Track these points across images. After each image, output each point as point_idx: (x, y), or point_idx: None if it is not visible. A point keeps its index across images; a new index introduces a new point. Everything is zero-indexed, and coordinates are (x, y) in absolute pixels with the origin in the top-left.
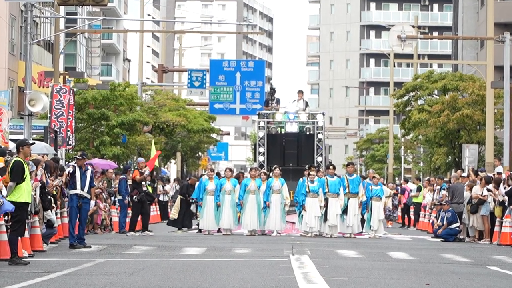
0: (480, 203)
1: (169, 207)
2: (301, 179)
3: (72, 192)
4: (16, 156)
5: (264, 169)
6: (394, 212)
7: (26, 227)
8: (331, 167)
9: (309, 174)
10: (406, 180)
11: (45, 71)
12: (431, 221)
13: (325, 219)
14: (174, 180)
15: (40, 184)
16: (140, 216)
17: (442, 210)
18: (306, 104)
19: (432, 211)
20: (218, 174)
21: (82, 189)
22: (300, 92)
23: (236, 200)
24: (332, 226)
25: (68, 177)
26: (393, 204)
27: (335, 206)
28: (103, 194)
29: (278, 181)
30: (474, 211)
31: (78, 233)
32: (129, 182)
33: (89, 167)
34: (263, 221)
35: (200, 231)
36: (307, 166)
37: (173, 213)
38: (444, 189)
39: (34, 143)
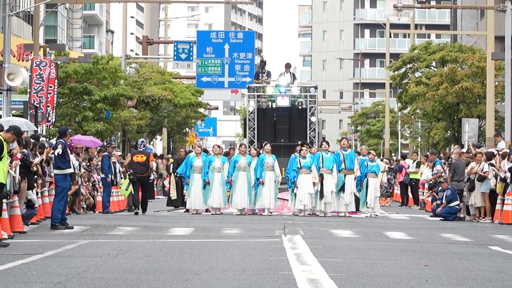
0: (480, 179)
1: (155, 185)
2: (293, 155)
3: (68, 171)
4: None
5: (254, 145)
6: (390, 188)
7: (5, 207)
8: (324, 143)
9: (301, 150)
10: (404, 157)
11: (24, 43)
12: (430, 198)
13: (321, 196)
14: (160, 157)
15: (21, 163)
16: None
17: (440, 188)
18: (294, 77)
19: (430, 190)
20: (205, 151)
21: (74, 167)
22: (288, 66)
23: (225, 178)
24: (327, 203)
25: (50, 155)
26: (388, 180)
27: (330, 183)
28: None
29: (271, 158)
30: (471, 188)
31: None
32: (113, 160)
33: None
34: (254, 199)
35: (187, 210)
36: (299, 142)
37: (172, 193)
38: (444, 164)
39: (22, 133)
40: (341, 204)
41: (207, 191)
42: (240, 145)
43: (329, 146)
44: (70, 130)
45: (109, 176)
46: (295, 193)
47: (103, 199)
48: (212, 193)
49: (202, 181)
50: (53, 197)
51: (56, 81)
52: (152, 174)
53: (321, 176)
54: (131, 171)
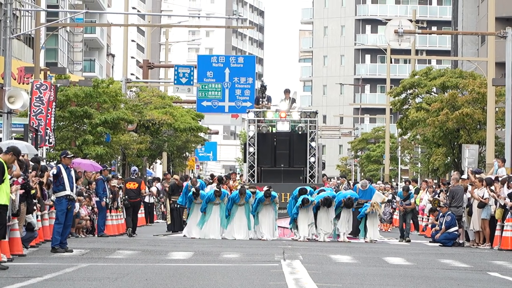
0: (480, 206)
1: (155, 209)
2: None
3: (62, 194)
4: None
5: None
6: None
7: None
8: (324, 177)
9: (303, 204)
10: (407, 182)
11: (25, 66)
12: (429, 225)
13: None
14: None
15: (21, 187)
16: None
17: (441, 213)
18: (293, 102)
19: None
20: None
21: (71, 189)
22: (287, 91)
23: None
24: (326, 233)
25: (50, 178)
26: (392, 207)
27: (328, 214)
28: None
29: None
30: (469, 213)
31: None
32: (113, 183)
33: (71, 168)
34: (254, 226)
35: (185, 236)
36: (300, 200)
37: (168, 218)
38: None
39: (22, 158)
40: (339, 232)
41: (204, 221)
42: (232, 174)
43: (329, 181)
44: (71, 154)
45: (103, 199)
46: (296, 225)
47: (98, 222)
48: (208, 224)
49: (201, 211)
50: (53, 220)
51: (54, 103)
52: (152, 198)
53: (318, 208)
54: (126, 197)
